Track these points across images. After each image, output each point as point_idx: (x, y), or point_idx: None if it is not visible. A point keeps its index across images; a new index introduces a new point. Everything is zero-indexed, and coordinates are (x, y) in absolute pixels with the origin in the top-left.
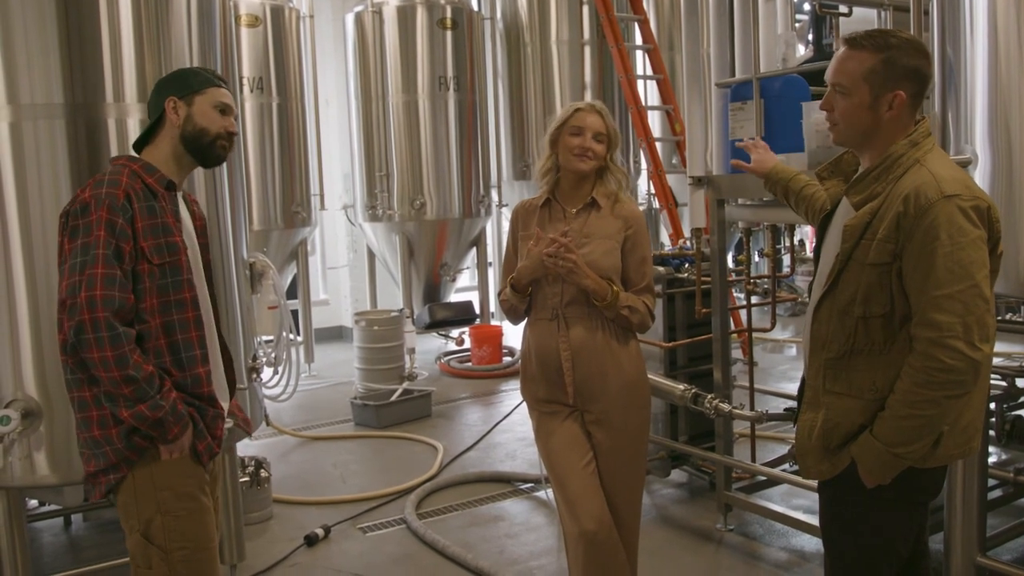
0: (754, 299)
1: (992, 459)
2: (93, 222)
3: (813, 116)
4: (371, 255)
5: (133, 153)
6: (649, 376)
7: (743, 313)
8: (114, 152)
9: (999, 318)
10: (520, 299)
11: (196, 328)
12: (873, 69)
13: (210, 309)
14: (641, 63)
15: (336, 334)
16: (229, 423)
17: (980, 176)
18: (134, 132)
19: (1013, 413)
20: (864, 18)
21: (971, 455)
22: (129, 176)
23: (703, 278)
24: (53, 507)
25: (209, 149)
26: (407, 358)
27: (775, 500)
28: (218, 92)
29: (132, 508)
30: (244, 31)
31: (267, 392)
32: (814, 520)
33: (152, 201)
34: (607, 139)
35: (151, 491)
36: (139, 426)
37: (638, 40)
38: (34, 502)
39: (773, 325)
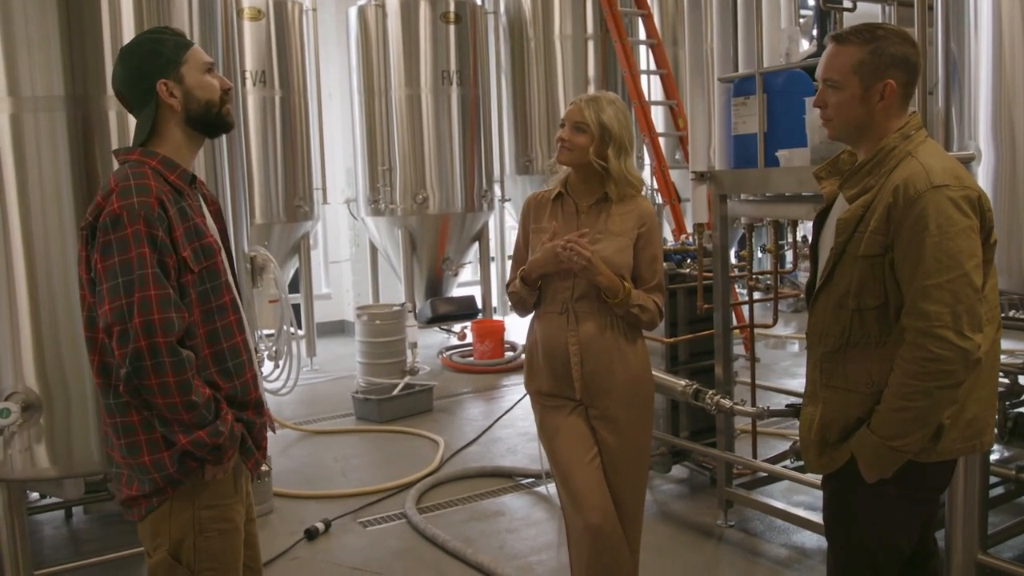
0: (756, 295)
1: (994, 456)
2: (130, 236)
3: (816, 111)
4: (373, 249)
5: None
6: None
7: (745, 309)
8: (115, 145)
9: (1003, 315)
10: (529, 292)
11: (239, 331)
12: (862, 61)
13: (242, 306)
14: (645, 58)
15: (338, 328)
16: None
17: (984, 172)
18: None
19: (1015, 410)
20: (868, 13)
21: (981, 451)
22: (154, 177)
23: (705, 274)
24: (54, 500)
25: (219, 119)
26: (409, 352)
27: (776, 496)
28: (194, 52)
29: (163, 527)
30: (247, 24)
31: (268, 386)
32: (815, 516)
33: (181, 202)
34: (590, 130)
35: (189, 511)
36: (196, 452)
37: (642, 35)
38: (35, 495)
39: (775, 321)
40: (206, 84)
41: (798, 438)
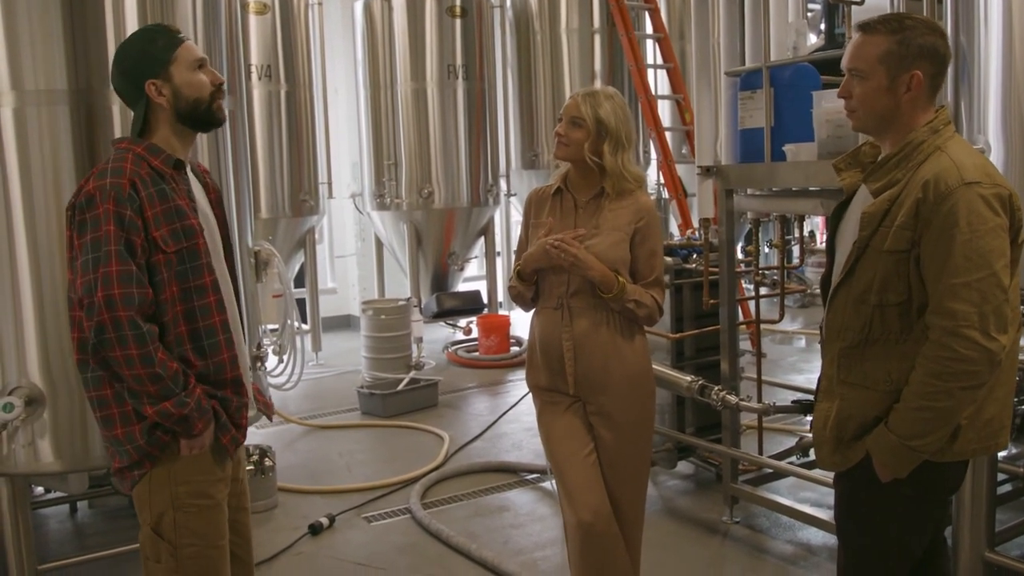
0: (763, 290)
1: (1001, 453)
2: (100, 215)
3: (823, 105)
4: (379, 244)
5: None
6: (655, 367)
7: (751, 304)
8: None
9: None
10: (526, 287)
11: (219, 312)
12: (888, 51)
13: (231, 288)
14: (651, 52)
15: (344, 323)
16: (252, 410)
17: None
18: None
19: (1023, 407)
20: (877, 7)
21: (996, 452)
22: (133, 161)
23: (711, 268)
24: (59, 494)
25: (208, 114)
26: (414, 347)
27: (782, 493)
28: (185, 49)
29: (145, 501)
30: (253, 18)
31: (272, 381)
32: (821, 513)
33: (161, 184)
34: (586, 125)
35: (166, 486)
36: (163, 422)
37: (648, 29)
38: (40, 489)
39: (781, 316)
40: (195, 82)
41: (804, 434)
